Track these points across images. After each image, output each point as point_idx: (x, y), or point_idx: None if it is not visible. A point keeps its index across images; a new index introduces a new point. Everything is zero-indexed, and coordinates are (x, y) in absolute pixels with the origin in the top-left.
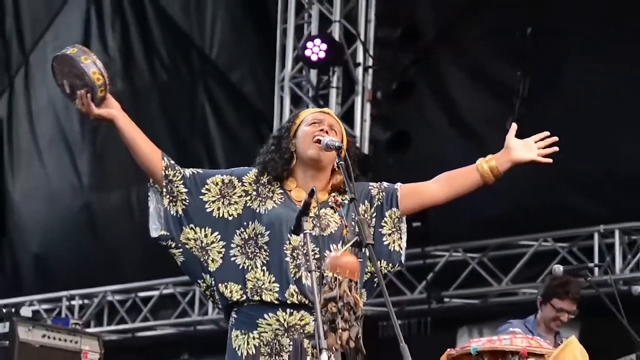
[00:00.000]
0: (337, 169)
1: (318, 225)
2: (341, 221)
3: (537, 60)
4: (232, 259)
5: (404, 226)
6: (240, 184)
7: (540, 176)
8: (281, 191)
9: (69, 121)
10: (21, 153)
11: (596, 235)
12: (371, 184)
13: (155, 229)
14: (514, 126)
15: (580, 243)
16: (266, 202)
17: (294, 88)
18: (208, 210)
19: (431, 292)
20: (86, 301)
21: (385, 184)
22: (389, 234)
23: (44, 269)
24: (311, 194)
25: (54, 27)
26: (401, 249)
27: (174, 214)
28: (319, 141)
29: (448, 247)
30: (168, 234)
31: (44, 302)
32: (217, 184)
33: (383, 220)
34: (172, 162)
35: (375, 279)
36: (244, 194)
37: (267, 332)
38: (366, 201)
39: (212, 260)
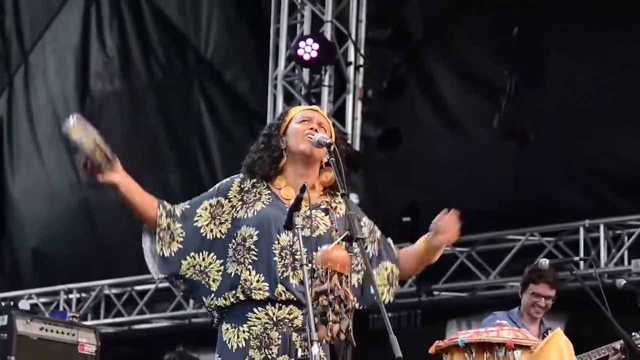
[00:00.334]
0: (324, 166)
1: (308, 226)
2: (332, 224)
3: (523, 58)
4: (228, 271)
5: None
6: (227, 201)
7: (526, 171)
8: (269, 191)
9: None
10: (21, 151)
11: (582, 230)
12: (364, 220)
13: (155, 272)
14: (442, 214)
15: (566, 237)
16: (254, 205)
17: (286, 86)
18: (202, 234)
19: (421, 286)
20: (83, 295)
21: (377, 233)
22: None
23: (43, 263)
24: (303, 189)
25: (53, 26)
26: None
27: (170, 255)
28: (311, 138)
29: None
30: (166, 276)
31: (42, 296)
32: (206, 208)
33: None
34: (168, 207)
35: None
36: (231, 209)
37: (256, 326)
38: (365, 218)
39: (213, 280)
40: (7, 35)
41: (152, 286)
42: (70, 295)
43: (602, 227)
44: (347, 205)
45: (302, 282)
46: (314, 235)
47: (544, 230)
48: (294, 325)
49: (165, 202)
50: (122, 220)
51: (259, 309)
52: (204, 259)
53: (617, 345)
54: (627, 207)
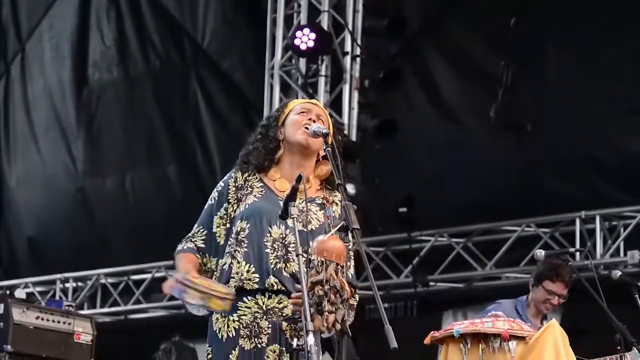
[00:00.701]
0: (321, 159)
1: (300, 220)
2: (326, 219)
3: (520, 49)
4: (223, 265)
5: None
6: (229, 205)
7: (523, 163)
8: (261, 184)
9: (65, 108)
10: (17, 139)
11: (578, 221)
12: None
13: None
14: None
15: (562, 228)
16: (246, 199)
17: (283, 76)
18: (218, 241)
19: (417, 276)
20: (80, 284)
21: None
22: None
23: (39, 252)
24: (299, 179)
25: (50, 15)
26: None
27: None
28: (307, 129)
29: (433, 232)
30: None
31: (38, 285)
32: (219, 225)
33: None
34: (202, 248)
35: None
36: (231, 208)
37: (246, 315)
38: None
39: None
40: (4, 23)
41: (148, 275)
42: (67, 284)
43: (598, 219)
44: (342, 195)
45: (293, 275)
46: (305, 230)
47: (540, 221)
48: (284, 315)
49: (197, 247)
50: (119, 210)
51: (249, 298)
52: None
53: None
54: (623, 198)
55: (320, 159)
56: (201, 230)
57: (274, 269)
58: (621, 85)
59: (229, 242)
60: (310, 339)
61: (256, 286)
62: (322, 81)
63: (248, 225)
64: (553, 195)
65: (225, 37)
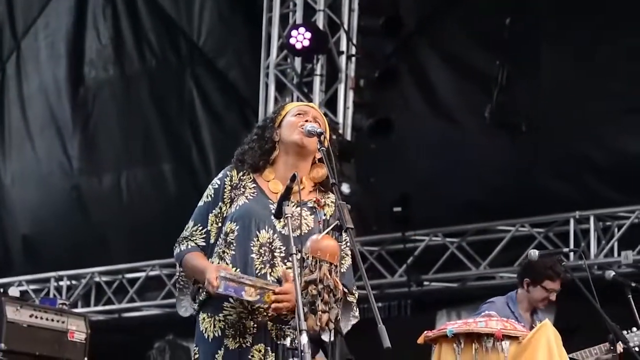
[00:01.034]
0: (317, 162)
1: (289, 225)
2: (317, 224)
3: (515, 49)
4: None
5: None
6: (223, 204)
7: (518, 163)
8: (254, 185)
9: (60, 106)
10: (12, 137)
11: (572, 221)
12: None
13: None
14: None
15: (556, 228)
16: (238, 199)
17: (278, 75)
18: (210, 239)
19: (411, 276)
20: (74, 282)
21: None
22: None
23: (33, 250)
24: (293, 178)
25: (45, 13)
26: None
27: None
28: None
29: (428, 232)
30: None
31: (32, 283)
32: (212, 222)
33: None
34: (203, 247)
35: None
36: (224, 207)
37: (232, 315)
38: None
39: None
40: (0, 21)
41: (142, 274)
42: (61, 283)
43: (592, 219)
44: (337, 195)
45: (279, 280)
46: (294, 235)
47: (535, 221)
48: (269, 315)
49: (199, 246)
50: (114, 208)
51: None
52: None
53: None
54: (617, 198)
55: (316, 162)
56: (199, 229)
57: (259, 274)
58: (616, 84)
59: (218, 242)
60: (304, 338)
61: None
62: (317, 80)
63: (237, 228)
64: (547, 195)
65: (221, 36)
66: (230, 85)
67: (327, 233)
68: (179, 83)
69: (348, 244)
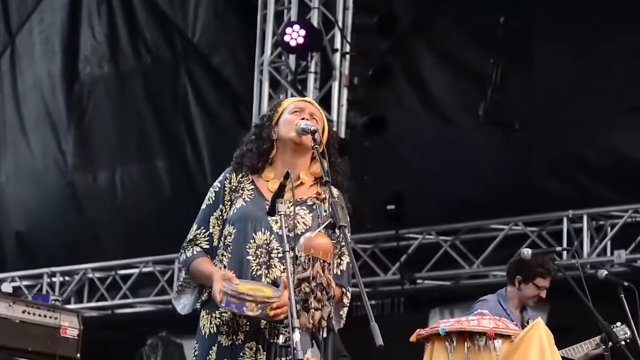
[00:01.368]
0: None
1: (286, 225)
2: (317, 219)
3: (509, 47)
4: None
5: None
6: (223, 207)
7: (511, 161)
8: (252, 187)
9: (55, 103)
10: (7, 134)
11: (565, 220)
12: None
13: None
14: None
15: (550, 227)
16: (236, 201)
17: (273, 72)
18: (214, 242)
19: (404, 274)
20: (67, 278)
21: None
22: None
23: (27, 246)
24: (286, 176)
25: (40, 9)
26: None
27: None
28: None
29: (421, 230)
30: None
31: (25, 279)
32: (214, 225)
33: None
34: (208, 250)
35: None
36: (225, 209)
37: (227, 313)
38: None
39: None
40: None
41: (135, 270)
42: (54, 279)
43: (585, 218)
44: (330, 192)
45: (275, 282)
46: (290, 235)
47: (528, 220)
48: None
49: (204, 249)
50: (108, 205)
51: None
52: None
53: (597, 339)
54: (611, 197)
55: (316, 157)
56: (203, 232)
57: (255, 275)
58: (611, 83)
59: (219, 245)
60: (296, 336)
61: None
62: (311, 78)
63: (234, 231)
64: (541, 193)
65: (216, 33)
66: (225, 82)
67: (321, 231)
68: (174, 80)
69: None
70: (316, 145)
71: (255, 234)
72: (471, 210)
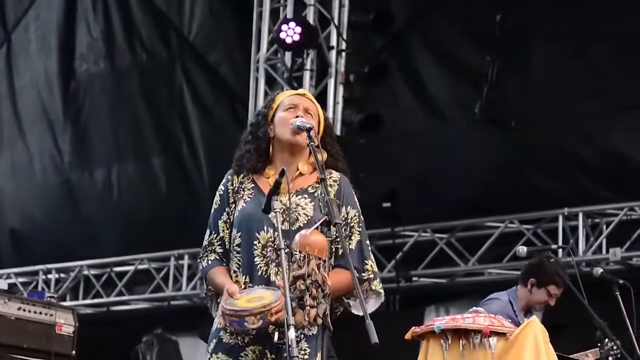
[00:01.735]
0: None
1: (287, 219)
2: (319, 204)
3: (505, 45)
4: (230, 273)
5: None
6: (229, 209)
7: (507, 159)
8: (252, 186)
9: (51, 100)
10: (3, 131)
11: (561, 218)
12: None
13: None
14: None
15: (545, 225)
16: (238, 203)
17: (268, 70)
18: (226, 245)
19: (400, 271)
20: (62, 275)
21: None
22: None
23: (22, 244)
24: (281, 173)
25: (36, 6)
26: None
27: None
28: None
29: (417, 228)
30: None
31: (20, 275)
32: (223, 229)
33: None
34: (224, 253)
35: None
36: (230, 213)
37: None
38: (350, 208)
39: None
40: None
41: (131, 268)
42: (49, 276)
43: (581, 216)
44: (326, 190)
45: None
46: (293, 228)
47: (523, 217)
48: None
49: (222, 258)
50: (104, 202)
51: None
52: None
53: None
54: (606, 195)
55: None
56: (215, 236)
57: (264, 275)
58: (607, 82)
59: (231, 248)
60: (292, 333)
61: None
62: (307, 75)
63: (239, 234)
64: (536, 191)
65: (212, 30)
66: (221, 79)
67: (316, 228)
68: (170, 77)
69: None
70: (311, 143)
71: (259, 234)
72: (467, 208)
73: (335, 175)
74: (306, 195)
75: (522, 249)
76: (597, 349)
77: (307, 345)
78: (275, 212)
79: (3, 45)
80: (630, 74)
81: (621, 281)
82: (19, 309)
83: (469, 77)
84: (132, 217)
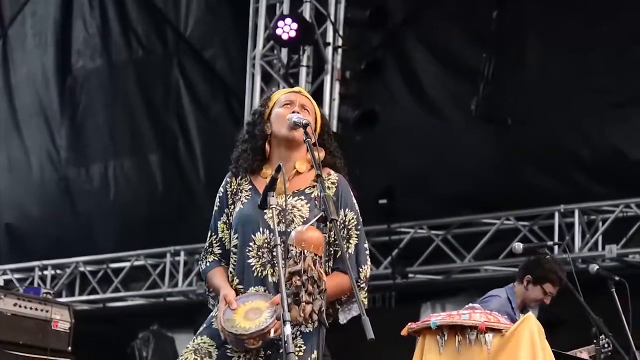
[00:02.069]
0: (315, 145)
1: (283, 221)
2: (314, 208)
3: (502, 42)
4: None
5: None
6: (228, 210)
7: (503, 156)
8: (250, 186)
9: (48, 96)
10: (0, 126)
11: (556, 215)
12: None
13: None
14: None
15: (541, 222)
16: (236, 205)
17: (265, 66)
18: (226, 246)
19: (396, 268)
20: (58, 271)
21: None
22: None
23: (19, 239)
24: (278, 169)
25: (32, 1)
26: None
27: None
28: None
29: (413, 224)
30: None
31: (16, 272)
32: (223, 230)
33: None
34: (222, 254)
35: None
36: (230, 214)
37: None
38: (348, 210)
39: None
40: None
41: (127, 264)
42: (45, 272)
43: (577, 212)
44: (322, 186)
45: (279, 281)
46: (289, 230)
47: (519, 214)
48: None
49: (221, 258)
50: (101, 199)
51: None
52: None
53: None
54: (602, 192)
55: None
56: (214, 237)
57: (260, 276)
58: (603, 79)
59: (230, 249)
60: (287, 329)
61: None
62: (303, 72)
63: (236, 236)
64: (532, 188)
65: (208, 26)
66: (217, 75)
67: (312, 224)
68: (166, 73)
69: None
70: (308, 139)
71: (254, 235)
72: (463, 204)
73: (334, 177)
74: (303, 197)
75: (518, 246)
76: (593, 345)
77: (302, 342)
78: (271, 207)
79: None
80: (626, 70)
81: (617, 278)
82: (14, 305)
83: (465, 73)
84: (128, 213)
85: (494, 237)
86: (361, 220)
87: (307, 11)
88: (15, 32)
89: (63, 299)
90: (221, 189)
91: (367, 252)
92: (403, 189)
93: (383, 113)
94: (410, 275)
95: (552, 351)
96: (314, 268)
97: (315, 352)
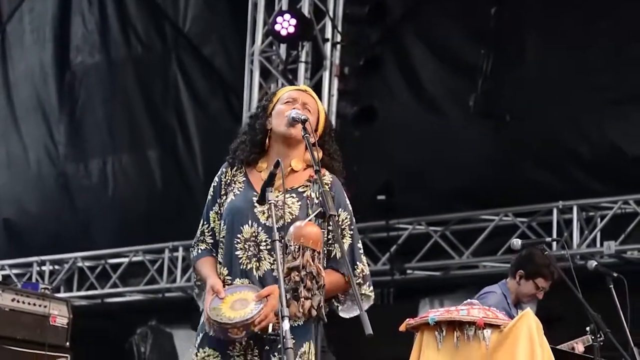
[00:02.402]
0: (313, 144)
1: (272, 212)
2: (307, 202)
3: (500, 38)
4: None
5: None
6: (220, 201)
7: (502, 152)
8: (244, 179)
9: (47, 91)
10: None
11: (555, 211)
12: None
13: None
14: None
15: (540, 218)
16: (228, 196)
17: (263, 62)
18: (217, 236)
19: (394, 264)
20: (57, 267)
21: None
22: None
23: (17, 235)
24: (276, 165)
25: None
26: None
27: None
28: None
29: (411, 220)
30: None
31: (15, 267)
32: (214, 220)
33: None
34: (214, 244)
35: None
36: (222, 204)
37: None
38: (341, 210)
39: None
40: None
41: (125, 259)
42: (44, 267)
43: (575, 209)
44: (320, 182)
45: (266, 274)
46: (277, 225)
47: (518, 210)
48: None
49: (212, 248)
50: (99, 194)
51: None
52: None
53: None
54: (600, 189)
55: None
56: (206, 226)
57: (245, 269)
58: (602, 75)
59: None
60: (286, 325)
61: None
62: (302, 67)
63: (225, 227)
64: (531, 184)
65: (207, 23)
66: (215, 71)
67: (311, 220)
68: (164, 69)
69: (346, 224)
70: (306, 135)
71: (242, 227)
72: (461, 200)
73: (328, 177)
74: (294, 195)
75: (516, 242)
76: (588, 335)
77: (291, 336)
78: (270, 203)
79: None
80: (625, 67)
81: (615, 274)
82: (13, 300)
83: (463, 70)
84: (127, 208)
85: (493, 233)
86: (354, 221)
87: (305, 7)
88: (13, 28)
89: (61, 295)
90: (216, 178)
91: (362, 251)
92: (401, 185)
93: (382, 109)
94: (409, 271)
95: (550, 347)
96: (312, 264)
97: (304, 345)
